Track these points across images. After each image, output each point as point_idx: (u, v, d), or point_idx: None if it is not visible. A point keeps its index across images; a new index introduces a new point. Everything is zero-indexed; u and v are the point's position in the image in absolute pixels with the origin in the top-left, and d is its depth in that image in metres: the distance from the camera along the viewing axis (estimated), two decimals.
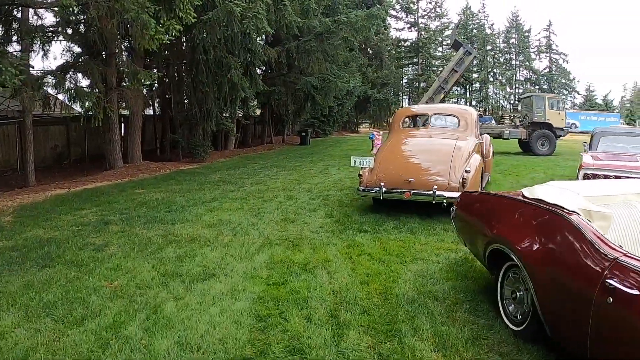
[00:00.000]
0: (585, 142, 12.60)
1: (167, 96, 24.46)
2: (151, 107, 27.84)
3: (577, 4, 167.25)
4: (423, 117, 12.44)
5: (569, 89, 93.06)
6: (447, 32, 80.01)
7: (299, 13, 19.45)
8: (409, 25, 72.44)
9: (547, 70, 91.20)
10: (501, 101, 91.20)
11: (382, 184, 9.35)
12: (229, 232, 8.35)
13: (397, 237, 8.04)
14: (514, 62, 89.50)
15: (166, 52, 20.89)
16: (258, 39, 18.88)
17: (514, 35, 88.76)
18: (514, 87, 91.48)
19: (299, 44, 22.18)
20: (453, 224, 6.39)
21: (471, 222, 5.84)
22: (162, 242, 7.69)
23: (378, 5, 32.91)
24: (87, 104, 16.08)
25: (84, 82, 18.14)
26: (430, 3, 74.29)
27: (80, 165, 22.29)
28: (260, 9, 15.79)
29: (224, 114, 23.27)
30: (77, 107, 18.02)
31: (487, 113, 78.11)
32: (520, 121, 28.19)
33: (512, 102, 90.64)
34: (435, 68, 78.04)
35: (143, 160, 19.59)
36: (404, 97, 79.45)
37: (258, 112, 31.44)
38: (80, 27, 17.52)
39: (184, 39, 20.27)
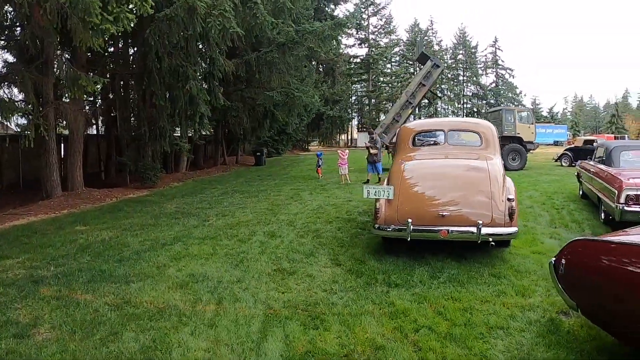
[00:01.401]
0: (555, 157, 11.40)
1: (112, 114, 21.69)
2: (94, 126, 25.18)
3: (521, 21, 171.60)
4: (437, 134, 10.49)
5: (516, 103, 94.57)
6: (397, 49, 79.86)
7: (271, 13, 17.18)
8: (359, 41, 71.34)
9: (494, 85, 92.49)
10: (450, 115, 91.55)
11: (410, 220, 7.24)
12: (209, 297, 6.01)
13: (446, 293, 6.07)
14: (461, 77, 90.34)
15: (111, 64, 18.39)
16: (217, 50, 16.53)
17: (461, 52, 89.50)
18: (462, 102, 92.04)
19: (259, 56, 19.95)
20: (557, 284, 4.83)
21: (606, 286, 4.01)
22: (115, 318, 5.26)
23: (330, 20, 31.32)
24: (18, 120, 13.57)
25: (21, 96, 15.42)
26: (381, 20, 73.71)
27: (14, 193, 19.02)
28: (227, 5, 13.39)
29: (175, 133, 20.85)
30: (12, 125, 15.57)
31: None
32: None
33: (460, 116, 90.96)
34: (385, 85, 77.43)
35: (85, 186, 16.78)
36: (353, 114, 78.36)
37: (210, 130, 28.69)
38: (16, 31, 14.98)
39: (131, 50, 17.86)
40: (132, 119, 20.64)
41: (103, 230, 10.35)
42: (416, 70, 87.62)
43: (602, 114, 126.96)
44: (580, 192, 13.70)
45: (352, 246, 8.58)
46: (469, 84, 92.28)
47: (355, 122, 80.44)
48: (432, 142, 10.37)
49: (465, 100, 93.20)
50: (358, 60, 72.92)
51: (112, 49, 19.99)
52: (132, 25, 10.53)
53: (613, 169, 10.38)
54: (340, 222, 10.83)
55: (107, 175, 23.00)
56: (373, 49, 73.12)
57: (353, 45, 71.25)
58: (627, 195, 8.86)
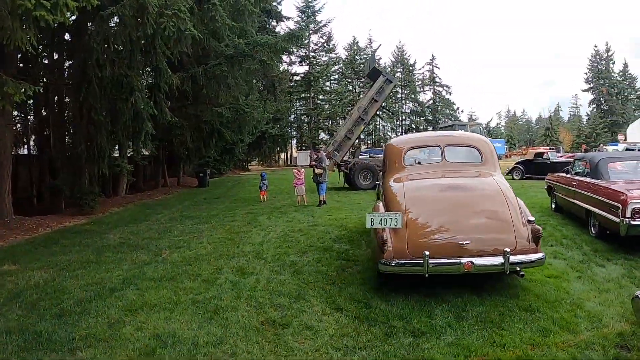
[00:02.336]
0: (507, 171, 10.98)
1: (46, 132, 19.55)
2: (26, 146, 23.00)
3: (458, 39, 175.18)
4: (432, 150, 9.34)
5: (453, 119, 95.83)
6: (335, 67, 79.38)
7: (230, 16, 15.61)
8: (300, 59, 70.30)
9: (431, 102, 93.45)
10: (389, 133, 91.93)
11: (427, 252, 6.03)
12: None
13: (486, 339, 5.15)
14: (400, 94, 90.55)
15: (45, 77, 16.45)
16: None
17: (399, 69, 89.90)
18: (400, 119, 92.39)
19: (206, 69, 18.41)
20: None
21: None
22: None
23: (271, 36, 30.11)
24: None
25: None
26: (322, 37, 73.10)
27: None
28: (182, 5, 11.76)
29: (114, 153, 19.03)
30: None
31: (375, 145, 77.81)
32: None
33: (398, 133, 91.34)
34: (324, 103, 76.71)
35: (15, 214, 14.71)
36: (292, 132, 77.23)
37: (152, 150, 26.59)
38: None
39: (67, 63, 16.02)
40: (68, 137, 18.51)
41: (37, 270, 8.58)
42: (356, 88, 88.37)
43: (535, 128, 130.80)
44: (553, 206, 13.79)
45: (345, 283, 7.26)
46: (407, 101, 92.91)
47: (294, 141, 79.35)
48: (427, 160, 9.26)
49: (403, 117, 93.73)
50: (299, 78, 71.93)
51: (46, 61, 18.12)
52: (72, 19, 8.82)
53: (605, 182, 10.00)
54: (316, 252, 9.48)
55: (39, 200, 20.82)
56: (314, 67, 72.37)
57: (294, 63, 70.27)
58: (634, 208, 8.42)
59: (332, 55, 78.04)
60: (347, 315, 5.92)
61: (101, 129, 15.12)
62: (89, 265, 8.87)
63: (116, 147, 19.80)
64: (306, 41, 69.99)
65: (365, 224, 6.82)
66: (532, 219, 6.62)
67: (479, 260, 6.13)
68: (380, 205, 7.79)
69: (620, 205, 8.63)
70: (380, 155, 29.35)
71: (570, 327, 5.38)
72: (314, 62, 72.89)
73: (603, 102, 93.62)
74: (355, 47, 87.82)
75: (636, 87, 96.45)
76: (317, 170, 16.94)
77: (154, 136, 18.46)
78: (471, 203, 6.95)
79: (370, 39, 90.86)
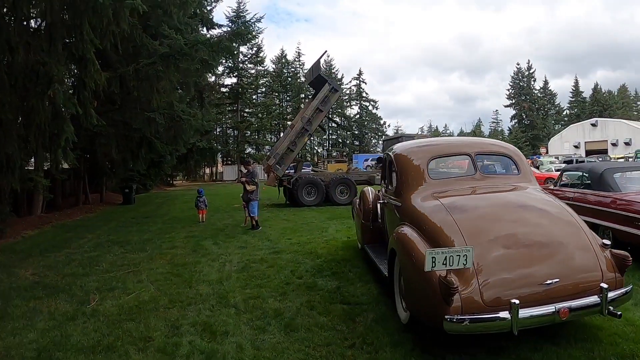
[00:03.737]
0: None
1: None
2: None
3: (382, 54, 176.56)
4: (459, 159, 7.36)
5: (380, 133, 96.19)
6: (263, 80, 77.08)
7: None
8: (228, 69, 67.50)
9: (358, 116, 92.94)
10: (316, 147, 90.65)
11: (516, 301, 4.24)
12: None
13: None
14: None
15: None
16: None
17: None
18: (328, 133, 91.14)
19: (138, 69, 15.62)
20: None
21: None
22: None
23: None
24: None
25: None
26: (251, 49, 70.56)
27: None
28: None
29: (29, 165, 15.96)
30: None
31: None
32: None
33: (326, 147, 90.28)
34: (250, 116, 74.35)
35: None
36: (219, 146, 74.24)
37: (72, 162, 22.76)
38: None
39: None
40: None
41: None
42: (283, 101, 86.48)
43: None
44: None
45: (371, 346, 5.06)
46: (335, 115, 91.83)
47: (219, 155, 76.31)
48: (454, 172, 7.35)
49: (330, 132, 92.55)
50: (226, 89, 69.08)
51: None
52: None
53: (618, 194, 9.05)
54: (299, 292, 7.21)
55: None
56: (243, 79, 69.80)
57: (222, 74, 67.35)
58: None
59: (261, 67, 75.80)
60: None
61: (10, 133, 11.90)
62: None
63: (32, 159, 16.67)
64: (236, 51, 67.49)
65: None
66: (608, 242, 5.08)
67: (574, 303, 4.49)
68: (409, 232, 5.65)
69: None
70: (308, 169, 27.26)
71: None
72: (243, 74, 70.29)
73: (525, 116, 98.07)
74: (283, 60, 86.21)
75: (556, 103, 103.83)
76: (249, 187, 14.23)
77: (75, 145, 15.56)
78: (541, 228, 5.19)
79: (299, 53, 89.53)
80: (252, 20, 53.31)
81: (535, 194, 6.13)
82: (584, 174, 10.49)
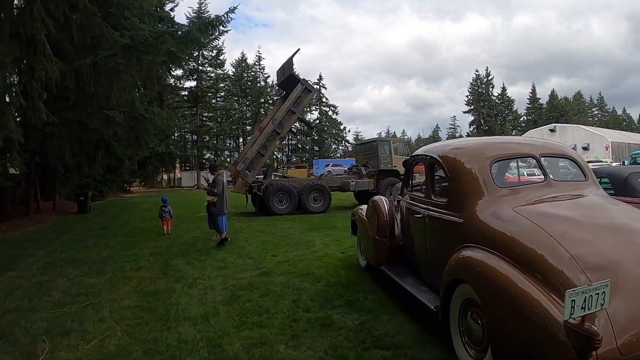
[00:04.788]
0: None
1: None
2: None
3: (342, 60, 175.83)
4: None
5: (340, 138, 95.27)
6: (222, 84, 74.77)
7: None
8: (188, 72, 64.99)
9: (318, 121, 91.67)
10: (275, 152, 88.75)
11: None
12: None
13: None
14: None
15: None
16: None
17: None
18: (288, 138, 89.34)
19: (96, 61, 13.55)
20: None
21: None
22: None
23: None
24: None
25: None
26: (212, 51, 68.24)
27: None
28: None
29: None
30: None
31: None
32: (366, 170, 23.59)
33: (285, 152, 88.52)
34: (209, 122, 72.15)
35: None
36: (177, 151, 71.57)
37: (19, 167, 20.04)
38: None
39: None
40: None
41: None
42: (242, 106, 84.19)
43: (416, 148, 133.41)
44: None
45: None
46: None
47: (178, 160, 73.57)
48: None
49: (290, 137, 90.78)
50: (185, 92, 66.56)
51: None
52: None
53: None
54: (315, 333, 5.50)
55: None
56: (202, 82, 67.44)
57: (181, 77, 64.74)
58: None
59: (220, 71, 73.41)
60: None
61: None
62: None
63: None
64: (196, 54, 65.06)
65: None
66: None
67: None
68: (493, 261, 4.17)
69: None
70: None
71: None
72: (203, 77, 67.93)
73: (483, 122, 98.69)
74: (243, 64, 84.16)
75: (513, 109, 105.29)
76: (209, 197, 12.10)
77: (24, 147, 13.48)
78: None
79: (259, 56, 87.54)
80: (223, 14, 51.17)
81: (622, 205, 4.98)
82: (602, 179, 9.23)
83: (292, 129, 25.33)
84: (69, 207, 25.85)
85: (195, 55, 63.75)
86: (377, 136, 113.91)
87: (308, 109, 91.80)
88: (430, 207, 5.76)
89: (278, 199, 20.37)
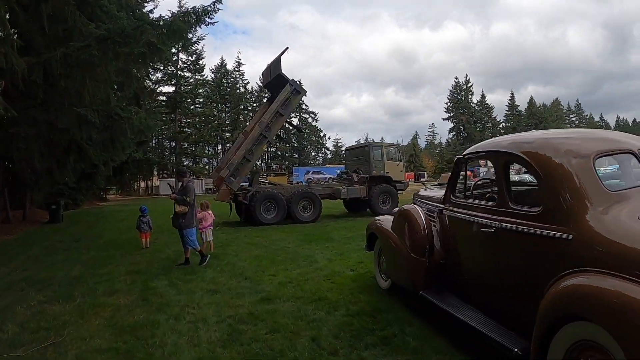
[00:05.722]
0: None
1: None
2: None
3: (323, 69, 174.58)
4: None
5: (320, 146, 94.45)
6: (201, 90, 72.95)
7: None
8: (167, 77, 63.06)
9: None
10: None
11: None
12: None
13: None
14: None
15: None
16: None
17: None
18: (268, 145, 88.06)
19: (67, 53, 11.87)
20: None
21: None
22: None
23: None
24: None
25: None
26: (191, 55, 66.39)
27: None
28: None
29: None
30: None
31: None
32: (357, 176, 22.13)
33: (265, 160, 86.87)
34: (187, 128, 70.39)
35: None
36: (155, 158, 69.43)
37: None
38: None
39: None
40: None
41: None
42: (221, 112, 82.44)
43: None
44: None
45: None
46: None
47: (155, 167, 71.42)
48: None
49: (277, 142, 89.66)
50: (164, 98, 64.51)
51: None
52: None
53: None
54: None
55: None
56: (181, 87, 65.52)
57: (159, 82, 62.79)
58: None
59: (199, 77, 71.62)
60: None
61: None
62: None
63: None
64: (174, 58, 63.13)
65: None
66: None
67: None
68: None
69: None
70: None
71: None
72: (181, 82, 66.00)
73: (463, 129, 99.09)
74: (222, 70, 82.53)
75: (492, 116, 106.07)
76: (178, 208, 10.01)
77: None
78: None
79: (239, 62, 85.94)
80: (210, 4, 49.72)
81: None
82: None
83: (279, 133, 23.90)
84: (41, 216, 23.82)
85: (174, 59, 62.05)
86: (355, 143, 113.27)
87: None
88: (508, 219, 4.30)
89: (265, 208, 18.87)
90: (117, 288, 8.17)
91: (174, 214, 10.11)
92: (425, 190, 8.51)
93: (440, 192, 6.91)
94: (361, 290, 7.45)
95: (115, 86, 16.58)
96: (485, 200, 5.11)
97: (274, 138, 21.67)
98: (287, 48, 21.16)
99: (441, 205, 6.00)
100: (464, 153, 5.74)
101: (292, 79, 20.52)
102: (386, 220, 7.36)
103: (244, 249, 12.24)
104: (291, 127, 39.56)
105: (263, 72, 23.91)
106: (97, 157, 17.94)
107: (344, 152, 46.37)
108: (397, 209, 7.23)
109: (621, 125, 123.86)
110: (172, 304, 7.03)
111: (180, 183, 10.45)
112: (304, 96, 20.98)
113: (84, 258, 11.55)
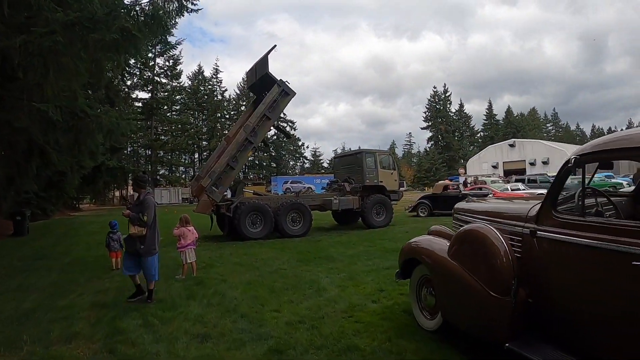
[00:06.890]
0: (409, 208, 8.60)
1: None
2: None
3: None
4: None
5: (298, 155, 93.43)
6: (178, 97, 70.88)
7: None
8: (143, 82, 60.76)
9: (275, 137, 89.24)
10: None
11: None
12: None
13: None
14: None
15: None
16: None
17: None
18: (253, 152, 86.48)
19: (29, 41, 9.84)
20: None
21: None
22: None
23: None
24: None
25: None
26: (168, 61, 64.28)
27: None
28: None
29: None
30: None
31: None
32: (349, 186, 20.27)
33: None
34: (163, 136, 68.25)
35: None
36: (130, 166, 66.92)
37: None
38: None
39: None
40: None
41: None
42: (198, 120, 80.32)
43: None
44: None
45: None
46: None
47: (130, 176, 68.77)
48: None
49: (263, 148, 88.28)
50: (140, 104, 62.18)
51: None
52: None
53: None
54: None
55: None
56: (157, 93, 63.27)
57: (135, 87, 60.43)
58: None
59: (176, 83, 69.42)
60: None
61: None
62: None
63: None
64: (152, 63, 60.90)
65: None
66: None
67: None
68: None
69: None
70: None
71: None
72: (158, 88, 63.75)
73: (441, 138, 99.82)
74: (200, 77, 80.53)
75: (471, 125, 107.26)
76: (132, 230, 7.64)
77: None
78: None
79: (216, 69, 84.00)
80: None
81: None
82: None
83: (267, 141, 22.08)
84: (5, 228, 21.49)
85: (151, 64, 59.81)
86: (333, 153, 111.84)
87: None
88: None
89: (251, 221, 16.95)
90: (77, 330, 6.22)
91: (128, 235, 7.81)
92: (467, 202, 6.82)
93: (499, 205, 5.27)
94: (398, 332, 5.65)
95: (87, 87, 14.53)
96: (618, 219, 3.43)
97: (260, 144, 19.70)
98: (275, 46, 19.31)
99: (532, 225, 4.25)
100: (580, 152, 3.98)
101: (280, 79, 18.63)
102: (432, 243, 5.59)
103: (232, 272, 10.33)
104: (279, 132, 37.51)
105: (247, 73, 22.07)
106: (62, 162, 15.73)
107: (332, 159, 44.83)
108: (451, 229, 5.46)
109: (597, 135, 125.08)
110: (149, 354, 5.16)
111: (137, 194, 7.99)
112: (292, 98, 19.00)
113: (42, 283, 9.57)
